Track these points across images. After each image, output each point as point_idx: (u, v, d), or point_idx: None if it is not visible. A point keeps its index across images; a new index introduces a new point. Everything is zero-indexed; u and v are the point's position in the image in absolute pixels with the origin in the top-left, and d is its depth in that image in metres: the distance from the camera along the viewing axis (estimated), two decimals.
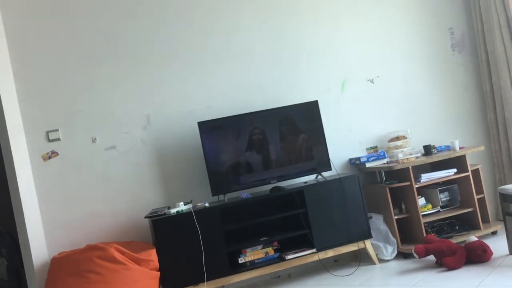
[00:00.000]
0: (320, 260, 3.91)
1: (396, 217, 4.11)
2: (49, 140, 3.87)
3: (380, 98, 4.58)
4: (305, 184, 4.02)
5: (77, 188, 3.89)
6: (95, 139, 3.96)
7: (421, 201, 4.19)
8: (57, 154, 3.87)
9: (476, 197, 4.18)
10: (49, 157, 3.85)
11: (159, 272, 3.57)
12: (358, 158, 4.33)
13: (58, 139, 3.88)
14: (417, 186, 4.10)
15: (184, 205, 3.77)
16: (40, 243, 3.72)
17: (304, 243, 3.91)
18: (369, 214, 4.11)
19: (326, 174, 4.16)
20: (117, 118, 4.01)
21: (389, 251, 4.07)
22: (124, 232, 3.93)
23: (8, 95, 3.74)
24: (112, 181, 3.96)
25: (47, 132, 3.87)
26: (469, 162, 4.23)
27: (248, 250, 3.81)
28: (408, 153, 4.22)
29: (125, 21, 4.07)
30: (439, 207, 4.24)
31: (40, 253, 3.70)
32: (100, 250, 3.36)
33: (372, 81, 4.59)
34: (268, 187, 4.04)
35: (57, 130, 3.89)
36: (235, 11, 4.32)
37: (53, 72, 3.91)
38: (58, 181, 3.86)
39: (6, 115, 3.69)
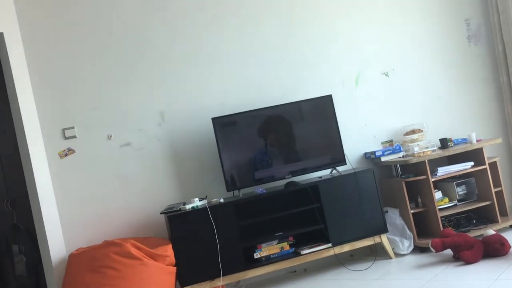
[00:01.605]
0: (336, 255, 3.90)
1: (412, 211, 4.08)
2: (65, 138, 3.91)
3: (395, 91, 4.55)
4: (320, 179, 4.01)
5: (93, 184, 3.93)
6: (111, 136, 4.00)
7: (437, 194, 4.15)
8: (73, 151, 3.91)
9: (493, 190, 4.14)
10: (66, 155, 3.90)
11: (175, 268, 3.59)
12: (373, 152, 4.30)
13: (74, 137, 3.92)
14: (433, 179, 4.06)
15: (199, 201, 3.78)
16: (58, 239, 3.77)
17: (319, 238, 3.90)
18: (385, 209, 4.09)
19: (341, 168, 4.14)
20: (132, 115, 4.04)
21: (406, 245, 4.05)
22: (140, 228, 3.96)
23: (25, 94, 3.79)
24: (127, 177, 3.99)
25: (63, 130, 3.91)
26: (486, 155, 4.18)
27: (264, 245, 3.81)
28: (424, 146, 4.18)
29: (140, 20, 4.09)
30: (456, 201, 4.20)
31: (58, 249, 3.75)
32: (117, 246, 3.40)
33: (387, 74, 4.55)
34: (282, 182, 4.03)
35: (73, 127, 3.92)
36: (247, 7, 4.31)
37: (69, 70, 3.95)
38: (75, 178, 3.90)
39: (23, 113, 3.75)
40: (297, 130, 4.08)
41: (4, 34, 3.73)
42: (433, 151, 4.15)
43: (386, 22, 4.57)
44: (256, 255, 3.78)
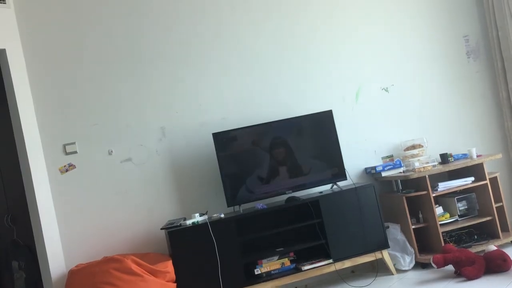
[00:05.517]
0: (337, 271, 3.88)
1: (413, 227, 4.07)
2: (66, 153, 3.91)
3: (395, 107, 4.56)
4: (321, 194, 4.00)
5: (94, 200, 3.92)
6: (111, 151, 4.00)
7: (438, 210, 4.15)
8: (74, 166, 3.91)
9: (494, 205, 4.13)
10: (66, 170, 3.90)
11: (175, 284, 3.57)
12: (374, 167, 4.30)
13: (75, 152, 3.92)
14: (434, 195, 4.06)
15: (200, 216, 3.77)
16: (57, 255, 3.76)
17: (320, 253, 3.88)
18: (386, 224, 4.08)
19: (341, 183, 4.14)
20: (132, 131, 4.05)
21: (407, 261, 4.03)
22: (140, 243, 3.94)
23: (26, 109, 3.80)
24: (128, 193, 3.99)
25: (64, 145, 3.91)
26: (486, 170, 4.18)
27: (264, 261, 3.79)
28: (424, 161, 4.18)
29: (140, 36, 4.12)
30: (457, 216, 4.19)
31: (58, 265, 3.73)
32: (117, 262, 3.38)
33: (387, 90, 4.57)
34: (283, 197, 4.03)
35: (74, 143, 3.93)
36: (247, 23, 4.34)
37: (70, 86, 3.96)
38: (75, 194, 3.89)
39: (24, 129, 3.76)
40: (297, 145, 4.08)
41: (6, 50, 3.76)
42: (434, 166, 4.15)
43: (386, 39, 4.61)
44: (257, 271, 3.76)
